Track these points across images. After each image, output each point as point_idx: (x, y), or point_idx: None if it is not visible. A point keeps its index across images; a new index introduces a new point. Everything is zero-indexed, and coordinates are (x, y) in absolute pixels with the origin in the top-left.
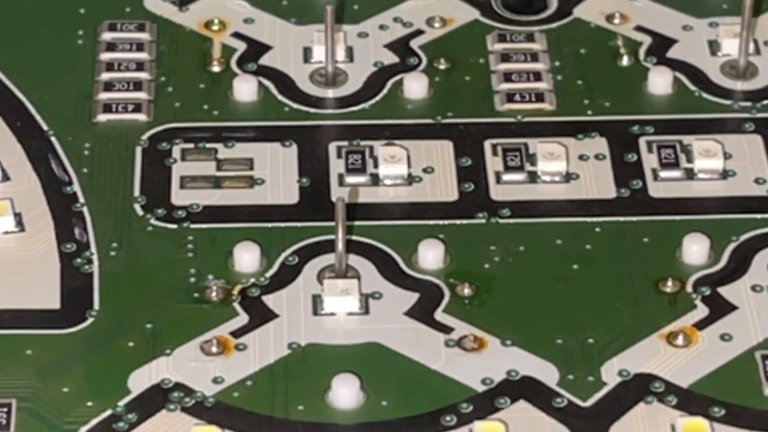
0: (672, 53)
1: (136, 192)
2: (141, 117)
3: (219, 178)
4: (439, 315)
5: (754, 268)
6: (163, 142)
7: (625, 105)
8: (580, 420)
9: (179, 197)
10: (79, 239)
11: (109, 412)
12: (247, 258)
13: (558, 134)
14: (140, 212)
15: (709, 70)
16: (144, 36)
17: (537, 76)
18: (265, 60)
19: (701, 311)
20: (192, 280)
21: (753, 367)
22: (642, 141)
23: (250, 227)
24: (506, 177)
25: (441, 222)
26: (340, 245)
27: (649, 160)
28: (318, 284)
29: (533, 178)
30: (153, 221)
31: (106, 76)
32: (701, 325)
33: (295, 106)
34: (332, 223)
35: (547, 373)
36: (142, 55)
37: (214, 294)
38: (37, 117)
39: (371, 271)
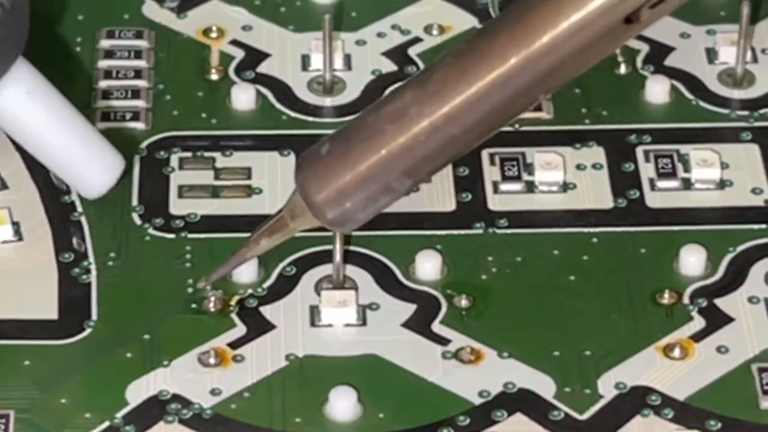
0: (669, 61)
1: (134, 201)
2: (139, 125)
3: (217, 188)
4: (437, 326)
5: (751, 279)
6: (161, 150)
7: (623, 114)
8: None
9: (177, 207)
10: (77, 249)
11: (107, 423)
12: (244, 268)
13: (555, 143)
14: (138, 222)
15: (707, 78)
16: (142, 43)
17: None
18: (263, 68)
19: (698, 323)
20: (190, 290)
21: (749, 380)
22: (639, 150)
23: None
24: (504, 187)
25: (438, 232)
26: (338, 256)
27: (647, 170)
28: (315, 295)
29: (531, 187)
30: (151, 231)
31: (104, 83)
32: (698, 337)
33: (293, 114)
34: (330, 234)
35: (543, 385)
36: (141, 63)
37: (211, 304)
38: None
39: (369, 282)
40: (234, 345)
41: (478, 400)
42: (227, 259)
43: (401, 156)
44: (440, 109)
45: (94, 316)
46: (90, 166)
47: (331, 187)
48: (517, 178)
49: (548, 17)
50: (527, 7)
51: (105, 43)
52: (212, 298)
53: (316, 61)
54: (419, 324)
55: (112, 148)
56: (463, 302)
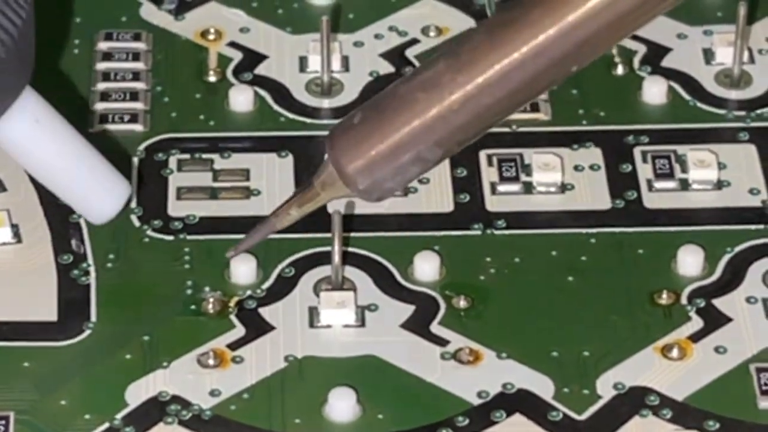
0: (666, 62)
1: (133, 203)
2: (137, 127)
3: (215, 189)
4: (435, 327)
5: (749, 279)
6: (160, 152)
7: (620, 114)
8: None
9: (176, 208)
10: (76, 251)
11: (106, 425)
12: (243, 270)
13: (553, 144)
14: (137, 224)
15: (704, 78)
16: (140, 45)
17: None
18: (261, 70)
19: (696, 323)
20: (189, 291)
21: (748, 380)
22: (637, 151)
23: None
24: (501, 188)
25: (437, 233)
26: (337, 257)
27: (644, 171)
28: (314, 296)
29: (528, 188)
30: (150, 233)
31: (102, 86)
32: (696, 337)
33: (291, 116)
34: (329, 235)
35: (542, 386)
36: (139, 65)
37: (210, 306)
38: None
39: (367, 283)
40: (233, 346)
41: (476, 401)
42: (256, 229)
43: (433, 125)
44: (474, 78)
45: (94, 317)
46: (97, 192)
47: (363, 157)
48: (515, 179)
49: None
50: None
51: (103, 46)
52: (211, 300)
53: (314, 63)
54: (418, 325)
55: (117, 174)
56: (462, 303)
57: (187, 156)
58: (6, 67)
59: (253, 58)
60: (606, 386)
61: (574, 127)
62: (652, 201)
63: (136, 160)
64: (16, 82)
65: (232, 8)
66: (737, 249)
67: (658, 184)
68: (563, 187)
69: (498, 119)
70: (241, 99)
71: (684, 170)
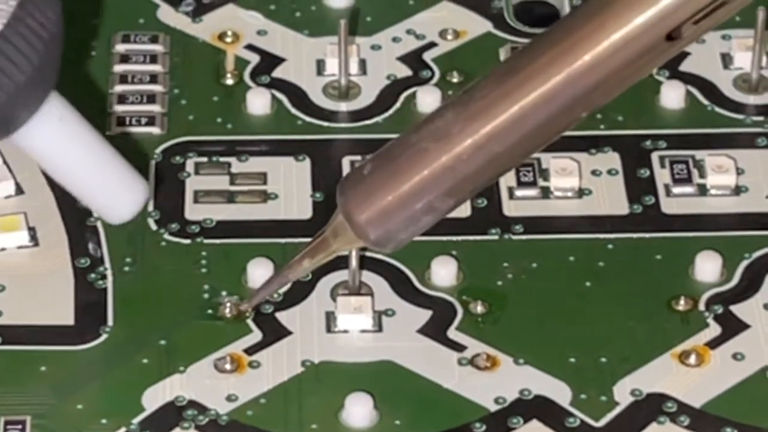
0: (684, 66)
1: (150, 206)
2: (155, 130)
3: (232, 193)
4: (452, 333)
5: (767, 285)
6: (177, 155)
7: (638, 119)
8: None
9: (193, 212)
10: (93, 254)
11: (123, 429)
12: (260, 274)
13: (570, 149)
14: (154, 227)
15: (722, 83)
16: (157, 48)
17: None
18: (278, 72)
19: (714, 330)
20: (206, 296)
21: (766, 387)
22: (654, 156)
23: (264, 243)
24: (519, 192)
25: (454, 238)
26: (354, 262)
27: (662, 176)
28: (331, 301)
29: (546, 193)
30: (167, 236)
31: (119, 88)
32: (713, 344)
33: (308, 119)
34: None
35: (559, 392)
36: (156, 67)
37: (227, 310)
38: None
39: (384, 288)
40: (250, 351)
41: (494, 407)
42: (270, 281)
43: (444, 175)
44: (483, 128)
45: (111, 321)
46: (117, 192)
47: (374, 207)
48: (533, 184)
49: (590, 35)
50: (569, 25)
51: (120, 48)
52: (228, 304)
53: (332, 66)
54: (435, 330)
55: (137, 175)
56: (479, 308)
57: (204, 159)
58: (35, 75)
59: (270, 61)
60: (623, 392)
61: (592, 131)
62: (670, 206)
63: (153, 163)
64: (48, 81)
65: (250, 11)
66: (755, 255)
67: (676, 189)
68: (581, 192)
69: (509, 167)
70: (259, 102)
71: (702, 175)
